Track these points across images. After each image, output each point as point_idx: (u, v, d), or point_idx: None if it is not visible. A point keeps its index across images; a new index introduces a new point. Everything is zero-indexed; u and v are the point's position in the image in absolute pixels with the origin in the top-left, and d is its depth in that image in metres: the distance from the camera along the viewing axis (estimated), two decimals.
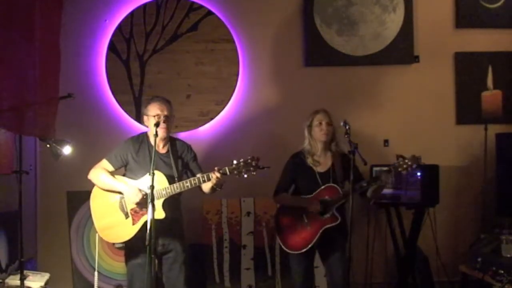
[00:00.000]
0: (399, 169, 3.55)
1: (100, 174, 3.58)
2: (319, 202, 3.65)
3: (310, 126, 3.80)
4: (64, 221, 4.63)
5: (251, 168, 3.44)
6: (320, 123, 3.75)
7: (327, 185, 3.69)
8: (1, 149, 3.98)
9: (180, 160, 3.67)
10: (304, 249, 3.66)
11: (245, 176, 3.44)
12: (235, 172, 3.44)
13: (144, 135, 3.70)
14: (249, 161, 3.45)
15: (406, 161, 3.53)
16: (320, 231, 3.63)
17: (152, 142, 3.60)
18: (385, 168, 3.60)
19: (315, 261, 3.87)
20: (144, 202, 3.46)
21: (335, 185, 3.68)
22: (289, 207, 3.83)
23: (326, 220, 3.64)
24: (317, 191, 3.71)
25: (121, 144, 3.67)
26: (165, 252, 3.58)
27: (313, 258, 3.83)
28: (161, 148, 3.64)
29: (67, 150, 3.82)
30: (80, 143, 4.11)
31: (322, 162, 3.78)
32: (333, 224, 3.62)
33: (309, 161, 3.78)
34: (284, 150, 4.75)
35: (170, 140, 3.71)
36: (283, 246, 3.79)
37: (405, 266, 4.61)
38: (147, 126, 3.69)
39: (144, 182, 3.52)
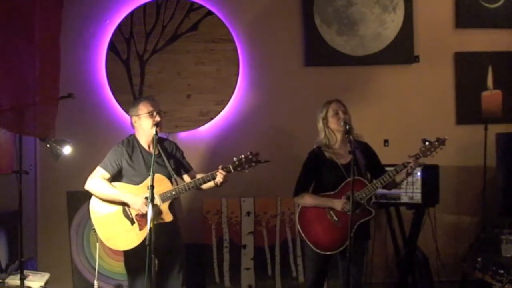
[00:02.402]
0: (428, 153, 3.48)
1: (100, 184, 3.50)
2: (348, 200, 3.40)
3: (325, 118, 3.61)
4: (64, 221, 4.63)
5: (253, 164, 3.46)
6: (337, 113, 3.58)
7: (351, 178, 3.37)
8: (1, 149, 3.98)
9: (172, 160, 3.65)
10: (339, 249, 3.48)
11: (247, 171, 3.47)
12: (239, 168, 3.46)
13: (133, 137, 3.65)
14: (249, 156, 3.46)
15: (434, 143, 3.49)
16: (355, 227, 3.39)
17: (142, 144, 3.61)
18: (412, 154, 3.47)
19: None
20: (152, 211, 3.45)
21: (360, 178, 3.48)
22: (314, 207, 3.59)
23: (358, 215, 3.45)
24: (341, 186, 3.52)
25: (113, 149, 3.60)
26: (165, 252, 3.57)
27: (330, 262, 3.67)
28: (151, 149, 3.54)
29: (67, 150, 3.82)
30: (80, 143, 4.11)
31: (343, 154, 3.58)
32: (368, 218, 3.50)
33: (329, 154, 3.60)
34: (284, 150, 4.77)
35: (158, 141, 3.67)
36: (313, 247, 3.55)
37: (405, 266, 4.60)
38: (134, 128, 3.64)
39: (146, 188, 3.48)
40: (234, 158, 3.47)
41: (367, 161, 3.49)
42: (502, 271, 4.02)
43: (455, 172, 4.98)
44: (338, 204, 3.49)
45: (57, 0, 4.42)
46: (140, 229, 3.48)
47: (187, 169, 3.70)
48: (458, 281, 4.76)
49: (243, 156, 3.47)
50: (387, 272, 4.92)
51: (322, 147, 3.64)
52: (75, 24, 4.75)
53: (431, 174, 4.44)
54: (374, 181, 3.51)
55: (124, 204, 3.50)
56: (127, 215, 3.50)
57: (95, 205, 3.55)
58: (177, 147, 3.75)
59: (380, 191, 4.33)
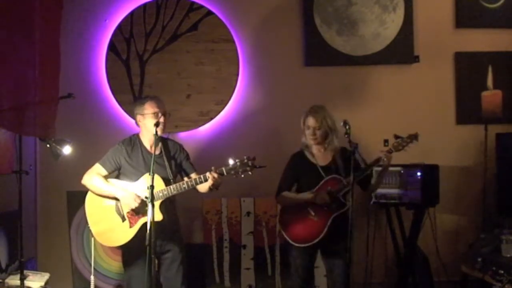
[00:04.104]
0: (399, 148, 3.59)
1: (95, 179, 3.55)
2: (326, 192, 3.60)
3: (304, 124, 3.78)
4: (64, 221, 4.63)
5: (248, 168, 3.42)
6: (309, 128, 3.73)
7: (329, 177, 3.65)
8: (1, 149, 3.98)
9: (173, 161, 3.66)
10: (316, 240, 3.60)
11: (242, 176, 3.43)
12: (232, 172, 3.42)
13: (136, 137, 3.68)
14: (245, 160, 3.43)
15: (405, 138, 3.61)
16: (330, 220, 3.58)
17: (145, 143, 3.63)
18: (385, 150, 3.58)
19: (316, 262, 3.86)
20: (141, 208, 3.46)
21: (337, 176, 3.63)
22: (294, 206, 3.74)
23: (334, 209, 3.60)
24: (319, 185, 3.66)
25: (114, 148, 3.65)
26: (163, 252, 3.58)
27: (315, 257, 3.80)
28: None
29: (67, 150, 3.82)
30: (80, 143, 4.11)
31: (322, 156, 3.74)
32: (342, 210, 3.59)
33: (310, 156, 3.75)
34: (284, 150, 4.74)
35: (162, 141, 3.68)
36: (291, 241, 3.70)
37: (405, 266, 4.60)
38: (139, 126, 3.68)
39: (139, 185, 3.51)
40: (230, 161, 3.43)
41: (348, 165, 3.55)
42: (502, 271, 4.02)
43: (455, 172, 4.97)
44: (316, 196, 3.61)
45: (57, 0, 4.41)
46: (130, 227, 3.51)
47: (188, 172, 3.69)
48: (458, 281, 4.76)
49: (238, 160, 3.43)
50: (387, 272, 4.92)
51: (304, 149, 3.78)
52: (75, 24, 4.75)
53: (431, 174, 4.44)
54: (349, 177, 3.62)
55: (117, 201, 3.53)
56: (119, 212, 3.53)
57: (90, 200, 3.61)
58: (182, 149, 3.76)
59: (380, 191, 4.39)
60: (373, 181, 3.74)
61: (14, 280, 3.73)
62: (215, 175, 3.40)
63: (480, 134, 4.83)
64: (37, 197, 4.77)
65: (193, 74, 4.89)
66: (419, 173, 4.40)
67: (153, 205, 3.21)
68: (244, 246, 4.65)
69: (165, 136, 3.77)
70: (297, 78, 4.97)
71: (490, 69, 5.07)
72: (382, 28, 5.00)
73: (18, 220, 3.72)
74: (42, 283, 3.86)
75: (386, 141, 4.93)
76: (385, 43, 4.99)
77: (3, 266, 3.92)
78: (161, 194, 3.46)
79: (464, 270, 4.60)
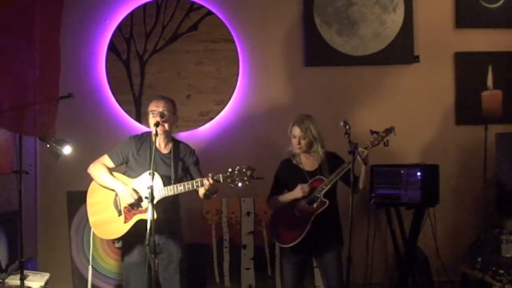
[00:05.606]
0: (375, 143, 3.67)
1: (99, 169, 3.60)
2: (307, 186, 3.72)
3: (290, 133, 3.85)
4: (64, 221, 4.63)
5: (245, 178, 3.40)
6: (294, 137, 3.80)
7: (314, 178, 3.74)
8: (1, 149, 3.98)
9: (180, 163, 3.67)
10: (299, 239, 3.68)
11: (239, 185, 3.40)
12: (229, 180, 3.41)
13: (148, 134, 3.70)
14: (244, 170, 3.40)
15: (381, 133, 3.68)
16: (312, 218, 3.67)
17: (155, 141, 3.63)
18: (362, 147, 3.62)
19: (314, 263, 3.88)
20: (137, 204, 3.47)
21: (321, 177, 3.72)
22: (281, 209, 3.83)
23: (316, 207, 3.68)
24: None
25: (124, 141, 3.70)
26: (160, 252, 3.57)
27: (305, 261, 3.87)
28: (163, 148, 3.65)
29: (67, 150, 3.82)
30: (80, 143, 4.11)
31: (309, 162, 3.84)
32: (323, 208, 3.66)
33: (296, 162, 3.84)
34: (283, 150, 4.74)
35: (174, 142, 3.71)
36: (279, 244, 3.86)
37: (405, 266, 4.61)
38: (148, 126, 3.71)
39: (140, 181, 3.53)
40: (229, 169, 3.42)
41: (335, 169, 3.69)
42: (502, 271, 4.03)
43: (455, 172, 4.98)
44: (296, 190, 3.70)
45: (57, 0, 4.41)
46: (125, 222, 3.53)
47: (193, 177, 3.66)
48: (458, 281, 4.76)
49: (237, 168, 3.41)
50: (387, 272, 4.92)
51: (291, 158, 3.86)
52: (75, 24, 4.75)
53: (431, 174, 4.44)
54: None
55: (116, 194, 3.56)
56: (116, 206, 3.56)
57: (91, 191, 3.65)
58: (193, 154, 3.76)
59: (380, 191, 4.40)
60: (360, 183, 3.77)
61: (14, 280, 3.74)
62: (211, 181, 3.39)
63: (480, 134, 4.82)
64: (37, 197, 4.77)
65: (193, 74, 4.89)
66: (419, 173, 4.41)
67: (153, 205, 3.21)
68: (244, 246, 4.65)
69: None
70: (297, 78, 4.97)
71: (490, 69, 5.07)
72: (382, 28, 5.01)
73: (18, 220, 3.72)
74: (42, 283, 3.87)
75: (386, 141, 4.94)
76: (385, 43, 4.99)
77: (3, 266, 3.92)
78: (157, 194, 3.46)
79: (464, 270, 4.60)
